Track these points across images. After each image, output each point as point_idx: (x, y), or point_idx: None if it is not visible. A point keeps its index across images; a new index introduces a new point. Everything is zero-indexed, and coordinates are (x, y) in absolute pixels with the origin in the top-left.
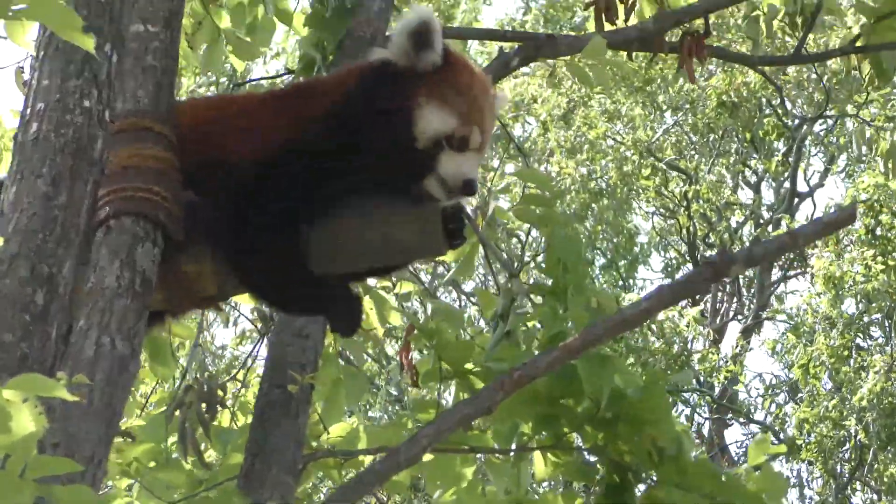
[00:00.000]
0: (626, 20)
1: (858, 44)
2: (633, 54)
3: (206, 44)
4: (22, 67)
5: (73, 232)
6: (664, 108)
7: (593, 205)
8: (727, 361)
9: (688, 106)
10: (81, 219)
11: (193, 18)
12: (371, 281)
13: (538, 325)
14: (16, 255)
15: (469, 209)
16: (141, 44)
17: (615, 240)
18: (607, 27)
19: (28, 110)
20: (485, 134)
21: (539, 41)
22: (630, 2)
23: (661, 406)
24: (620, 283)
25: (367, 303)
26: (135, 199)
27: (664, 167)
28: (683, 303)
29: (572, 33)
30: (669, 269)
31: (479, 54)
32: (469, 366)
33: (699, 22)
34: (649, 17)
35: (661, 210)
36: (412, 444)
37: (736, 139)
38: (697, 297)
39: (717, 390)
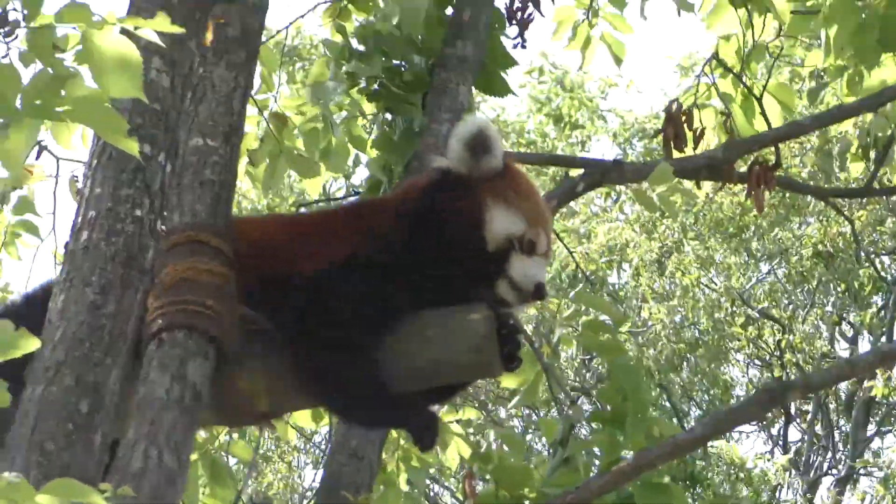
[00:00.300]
0: (696, 148)
1: None
2: (728, 200)
3: (266, 161)
4: (76, 177)
5: (120, 341)
6: (758, 255)
7: (689, 355)
8: None
9: (782, 254)
10: (130, 328)
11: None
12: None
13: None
14: (62, 363)
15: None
16: (200, 157)
17: (712, 391)
18: (676, 155)
19: (80, 218)
20: (549, 240)
21: (605, 167)
22: (699, 131)
23: None
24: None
25: None
26: (188, 313)
27: (757, 315)
28: (778, 455)
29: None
30: (764, 422)
31: None
32: (527, 492)
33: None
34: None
35: (756, 361)
36: None
37: (833, 291)
38: (787, 445)
39: None
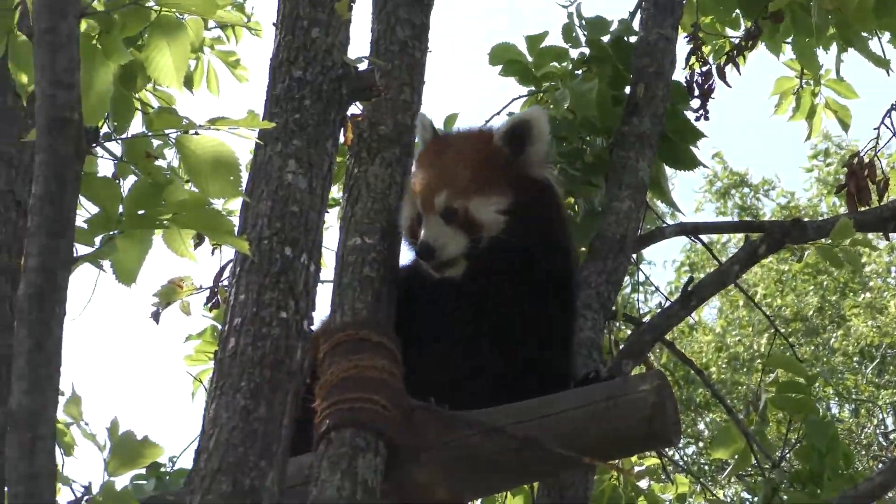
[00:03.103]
0: (881, 200)
1: None
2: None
3: None
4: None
5: (274, 443)
6: None
7: None
8: None
9: None
10: (283, 430)
11: None
12: None
13: None
14: (217, 471)
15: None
16: (358, 256)
17: None
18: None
19: (226, 326)
20: (425, 190)
21: (786, 227)
22: (882, 182)
23: None
24: None
25: None
26: (354, 410)
27: None
28: None
29: None
30: None
31: None
32: None
33: None
34: None
35: None
36: None
37: None
38: None
39: None
